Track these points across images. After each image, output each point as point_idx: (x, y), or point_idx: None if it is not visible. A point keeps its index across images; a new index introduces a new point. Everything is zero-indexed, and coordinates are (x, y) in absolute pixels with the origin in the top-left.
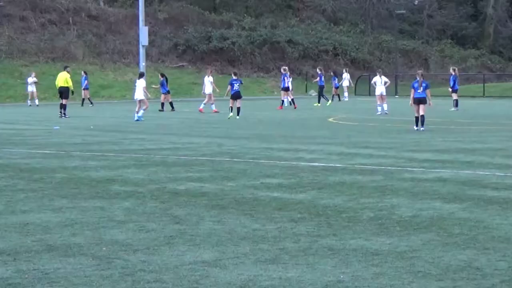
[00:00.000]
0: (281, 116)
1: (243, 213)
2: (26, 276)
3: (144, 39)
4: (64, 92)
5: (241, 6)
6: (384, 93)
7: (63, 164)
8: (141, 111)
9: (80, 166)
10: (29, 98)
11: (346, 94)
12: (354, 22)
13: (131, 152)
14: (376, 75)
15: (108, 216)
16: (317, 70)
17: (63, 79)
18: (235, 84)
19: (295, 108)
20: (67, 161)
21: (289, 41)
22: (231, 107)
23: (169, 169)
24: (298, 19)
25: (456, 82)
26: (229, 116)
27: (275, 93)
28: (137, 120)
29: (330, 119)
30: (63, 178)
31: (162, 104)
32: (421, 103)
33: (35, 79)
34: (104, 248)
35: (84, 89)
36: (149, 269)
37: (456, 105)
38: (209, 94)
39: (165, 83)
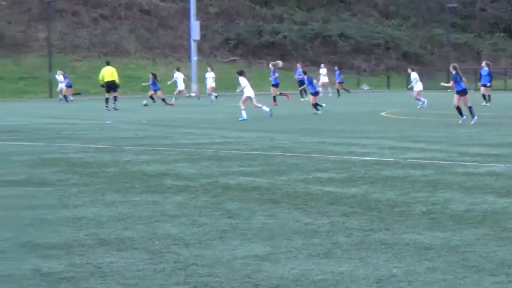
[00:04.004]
0: (331, 111)
1: (295, 207)
2: (79, 270)
3: (195, 33)
4: (112, 86)
5: (292, 0)
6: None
7: (115, 158)
8: (265, 107)
9: (132, 160)
10: (61, 94)
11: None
12: (406, 15)
13: (182, 147)
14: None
15: (161, 210)
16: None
17: (109, 73)
18: None
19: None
20: (119, 156)
21: (341, 35)
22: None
23: (221, 163)
24: (350, 13)
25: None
26: (318, 112)
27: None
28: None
29: (382, 113)
30: (116, 173)
31: (151, 97)
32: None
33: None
34: (156, 242)
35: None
36: (201, 263)
37: (486, 99)
38: (322, 84)
39: (156, 82)
